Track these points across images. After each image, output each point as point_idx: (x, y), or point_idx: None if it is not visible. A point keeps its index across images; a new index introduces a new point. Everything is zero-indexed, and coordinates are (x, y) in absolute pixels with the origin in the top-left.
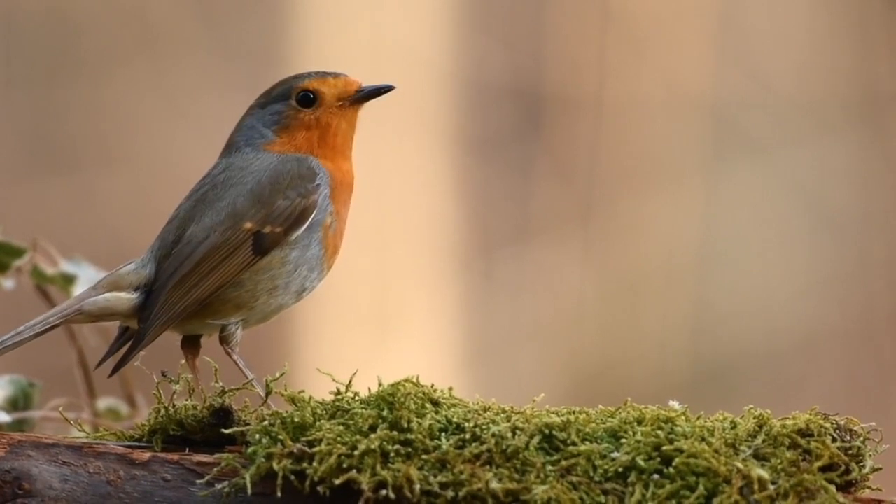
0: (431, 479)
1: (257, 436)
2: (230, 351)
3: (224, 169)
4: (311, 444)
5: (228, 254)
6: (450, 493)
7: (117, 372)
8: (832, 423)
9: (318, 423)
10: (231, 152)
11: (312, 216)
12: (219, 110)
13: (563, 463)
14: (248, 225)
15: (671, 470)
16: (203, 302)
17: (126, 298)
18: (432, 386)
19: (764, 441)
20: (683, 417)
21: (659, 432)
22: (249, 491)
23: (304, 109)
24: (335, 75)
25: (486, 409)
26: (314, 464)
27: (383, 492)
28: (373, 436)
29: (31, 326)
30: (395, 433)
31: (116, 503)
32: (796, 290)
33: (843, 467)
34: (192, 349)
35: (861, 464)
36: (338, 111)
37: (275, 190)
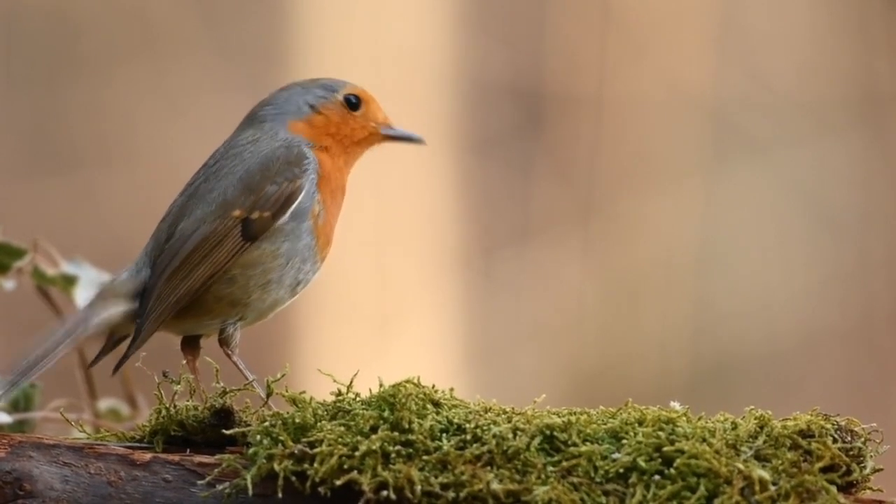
0: (432, 479)
1: (258, 436)
2: (230, 352)
3: (219, 159)
4: (311, 444)
5: (217, 242)
6: (451, 494)
7: (118, 370)
8: (833, 424)
9: (319, 424)
10: (241, 132)
11: (299, 200)
12: (219, 110)
13: (564, 464)
14: (237, 213)
15: (672, 471)
16: (196, 293)
17: (124, 308)
18: (433, 387)
19: (765, 442)
20: (684, 418)
21: (660, 433)
22: (250, 492)
23: (344, 108)
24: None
25: (486, 410)
26: (315, 465)
27: (384, 493)
28: (374, 437)
29: (42, 359)
30: (396, 434)
31: None
32: (796, 290)
33: (844, 468)
34: (192, 350)
35: (862, 464)
36: (369, 128)
37: (264, 177)
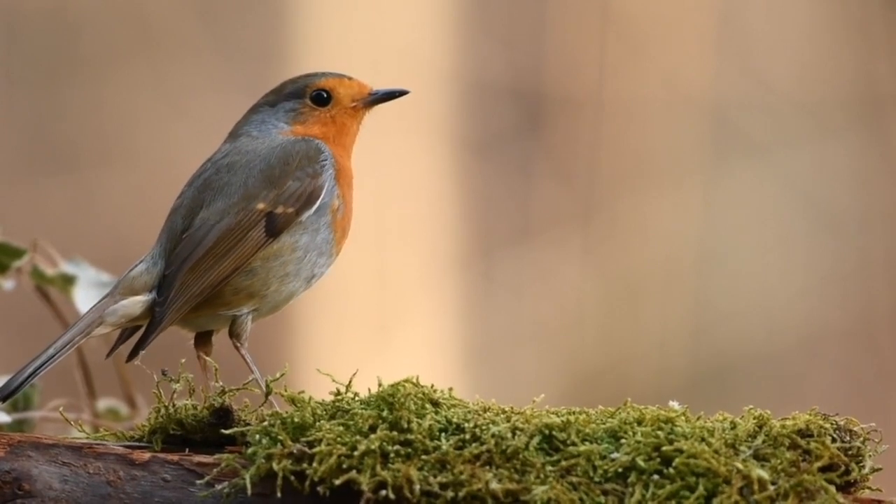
0: (431, 479)
1: (257, 436)
2: (239, 345)
3: (227, 153)
4: (310, 444)
5: (242, 235)
6: (449, 494)
7: (134, 358)
8: (832, 424)
9: (318, 424)
10: (237, 138)
11: (321, 197)
12: (219, 110)
13: (563, 463)
14: (261, 206)
15: (671, 470)
16: (218, 285)
17: (143, 301)
18: (432, 386)
19: (764, 441)
20: (683, 418)
21: (659, 433)
22: (249, 491)
23: (318, 108)
24: (349, 77)
25: (485, 410)
26: (314, 464)
27: (383, 492)
28: (373, 436)
29: (61, 349)
30: (394, 433)
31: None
32: (796, 290)
33: (842, 468)
34: (204, 347)
35: (861, 464)
36: (351, 111)
37: (285, 171)
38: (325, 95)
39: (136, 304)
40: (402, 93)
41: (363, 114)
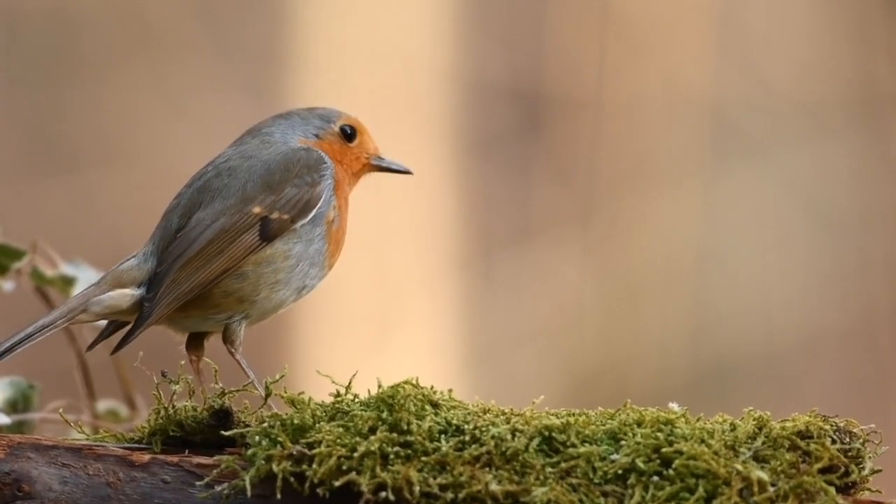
0: (431, 480)
1: (257, 437)
2: (233, 350)
3: (229, 157)
4: (310, 445)
5: (235, 237)
6: (449, 495)
7: (119, 350)
8: (832, 425)
9: (317, 425)
10: (251, 138)
11: (318, 206)
12: (219, 110)
13: (563, 465)
14: (257, 210)
15: (671, 472)
16: (208, 285)
17: (130, 295)
18: (432, 388)
19: (763, 443)
20: (683, 419)
21: (658, 434)
22: (249, 493)
23: (342, 139)
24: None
25: (485, 411)
26: (314, 466)
27: (383, 493)
28: (372, 437)
29: (40, 330)
30: (394, 435)
31: None
32: (796, 290)
33: (842, 469)
34: (196, 351)
35: (861, 466)
36: (363, 159)
37: (284, 178)
38: (350, 132)
39: (123, 296)
40: (405, 171)
41: (366, 171)
